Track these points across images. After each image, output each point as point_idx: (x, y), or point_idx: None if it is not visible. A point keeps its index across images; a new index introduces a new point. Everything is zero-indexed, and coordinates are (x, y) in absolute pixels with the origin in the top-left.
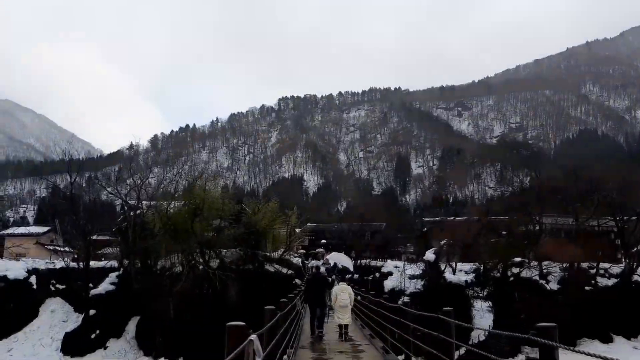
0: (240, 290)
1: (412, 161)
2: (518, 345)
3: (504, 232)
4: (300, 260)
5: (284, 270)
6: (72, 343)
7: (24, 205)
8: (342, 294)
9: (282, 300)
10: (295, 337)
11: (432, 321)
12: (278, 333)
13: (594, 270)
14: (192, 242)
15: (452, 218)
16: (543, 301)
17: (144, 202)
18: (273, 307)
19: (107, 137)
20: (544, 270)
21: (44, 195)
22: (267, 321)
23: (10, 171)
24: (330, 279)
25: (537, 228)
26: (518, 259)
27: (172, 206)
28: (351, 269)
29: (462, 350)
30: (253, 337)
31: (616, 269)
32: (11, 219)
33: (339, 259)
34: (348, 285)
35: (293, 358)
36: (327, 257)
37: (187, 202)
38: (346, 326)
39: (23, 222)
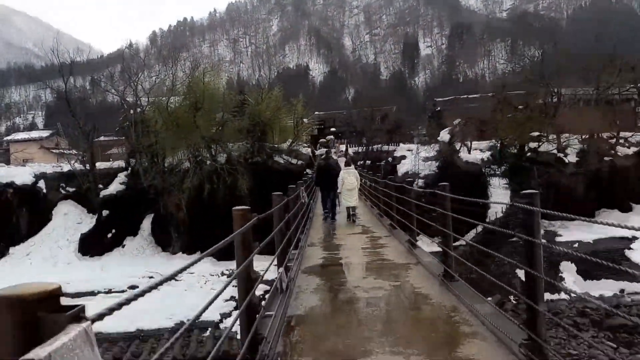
0: (251, 183)
1: (420, 42)
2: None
3: (520, 107)
4: (310, 150)
5: (294, 161)
6: (89, 244)
7: (31, 112)
8: (349, 177)
9: (274, 193)
10: (302, 232)
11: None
12: (258, 246)
13: (614, 140)
14: (196, 137)
15: (465, 96)
16: (561, 174)
17: (142, 99)
18: (246, 207)
19: (106, 38)
20: (563, 143)
21: (49, 100)
22: (237, 227)
23: (12, 78)
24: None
25: (556, 100)
26: (536, 134)
27: (172, 101)
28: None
29: (480, 228)
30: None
31: (638, 137)
32: (21, 126)
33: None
34: (355, 169)
35: (298, 261)
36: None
37: (187, 96)
38: (354, 208)
39: (32, 128)
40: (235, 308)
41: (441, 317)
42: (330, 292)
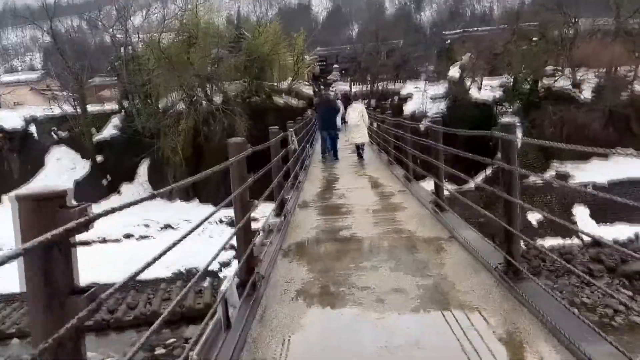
0: (249, 124)
1: None
2: (548, 161)
3: (535, 39)
4: (311, 89)
5: (294, 102)
6: (84, 190)
7: (29, 54)
8: (352, 112)
9: (230, 140)
10: (294, 187)
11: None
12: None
13: (632, 74)
14: (190, 75)
15: (476, 29)
16: (577, 112)
17: (133, 37)
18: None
19: None
20: (580, 78)
21: (47, 41)
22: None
23: (9, 19)
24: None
25: (573, 31)
26: (550, 68)
27: (164, 38)
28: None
29: (489, 171)
30: None
31: None
32: (19, 68)
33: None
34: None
35: (281, 234)
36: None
37: (180, 32)
38: (362, 146)
39: (31, 70)
40: (235, 257)
41: None
42: (322, 304)
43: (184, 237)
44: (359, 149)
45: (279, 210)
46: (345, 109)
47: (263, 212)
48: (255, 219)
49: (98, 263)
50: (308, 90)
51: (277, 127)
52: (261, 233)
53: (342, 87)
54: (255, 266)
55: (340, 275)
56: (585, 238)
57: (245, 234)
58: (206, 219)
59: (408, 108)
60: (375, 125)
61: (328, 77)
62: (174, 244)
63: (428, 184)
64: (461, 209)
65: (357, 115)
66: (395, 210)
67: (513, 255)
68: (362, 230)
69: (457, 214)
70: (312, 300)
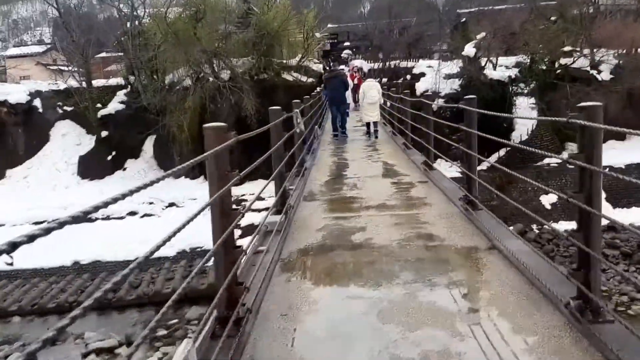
0: (257, 102)
1: None
2: (563, 143)
3: (553, 18)
4: (321, 66)
5: (304, 79)
6: (88, 166)
7: (39, 28)
8: (371, 90)
9: (206, 126)
10: (299, 175)
11: None
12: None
13: None
14: (196, 50)
15: (491, 7)
16: (596, 93)
17: (139, 10)
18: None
19: None
20: (600, 58)
21: (55, 15)
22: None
23: None
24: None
25: (593, 10)
26: (569, 48)
27: (170, 12)
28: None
29: (502, 152)
30: None
31: None
32: (29, 42)
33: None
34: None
35: (282, 236)
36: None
37: (187, 6)
38: (375, 123)
39: (40, 44)
40: (240, 236)
41: None
42: (329, 354)
43: (182, 226)
44: (369, 127)
45: (280, 207)
46: (356, 85)
47: (270, 192)
48: (261, 199)
49: (101, 240)
50: (318, 67)
51: (279, 107)
52: (255, 239)
53: (357, 62)
54: (240, 297)
55: (354, 304)
56: (602, 221)
57: (226, 253)
58: (188, 221)
59: (420, 87)
60: (388, 104)
61: (342, 55)
62: (177, 231)
63: (439, 166)
64: None
65: (376, 93)
66: (418, 207)
67: (591, 287)
68: (379, 234)
69: None
70: (316, 349)
